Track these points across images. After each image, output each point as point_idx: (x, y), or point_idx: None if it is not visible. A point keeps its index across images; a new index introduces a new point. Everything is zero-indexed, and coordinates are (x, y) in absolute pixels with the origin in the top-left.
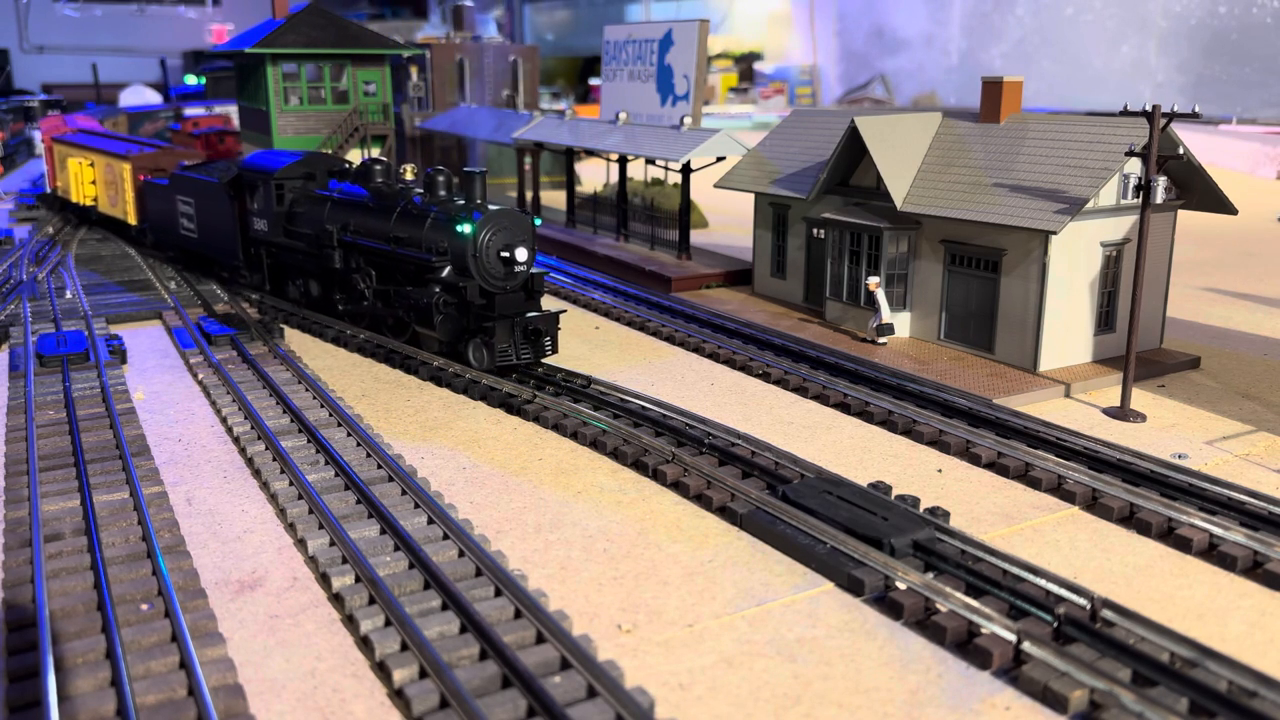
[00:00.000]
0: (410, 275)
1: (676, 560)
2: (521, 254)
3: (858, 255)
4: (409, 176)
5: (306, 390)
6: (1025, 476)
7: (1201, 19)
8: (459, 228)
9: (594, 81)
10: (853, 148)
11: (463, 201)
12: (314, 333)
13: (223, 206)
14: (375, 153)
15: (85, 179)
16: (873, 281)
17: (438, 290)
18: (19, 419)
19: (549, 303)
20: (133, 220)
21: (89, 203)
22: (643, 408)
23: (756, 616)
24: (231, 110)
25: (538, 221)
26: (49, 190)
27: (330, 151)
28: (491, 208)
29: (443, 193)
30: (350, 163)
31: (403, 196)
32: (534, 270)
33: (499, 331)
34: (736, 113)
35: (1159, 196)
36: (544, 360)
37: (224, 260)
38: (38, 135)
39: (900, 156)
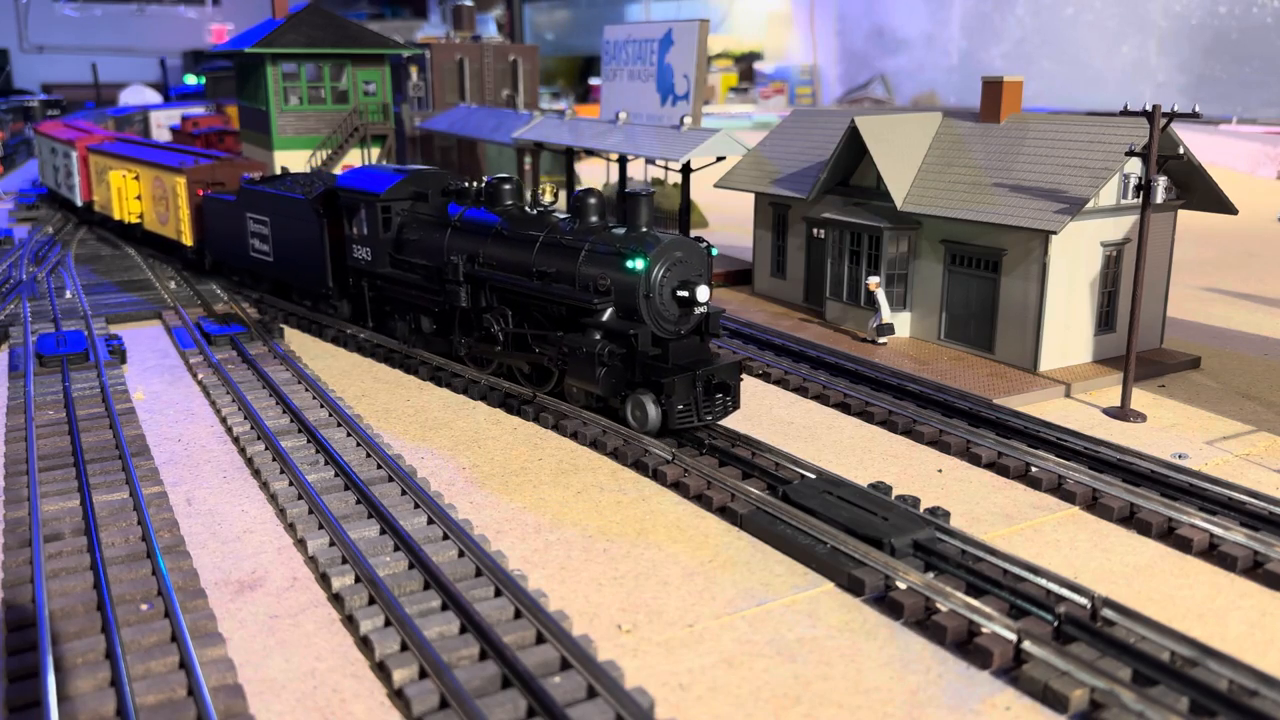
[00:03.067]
0: (559, 317)
1: (676, 560)
2: (703, 293)
3: (858, 255)
4: (548, 198)
5: (306, 390)
6: (1025, 476)
7: (1202, 19)
8: (628, 263)
9: (594, 81)
10: (853, 148)
11: (623, 229)
12: (313, 333)
13: (308, 227)
14: (375, 153)
15: (129, 193)
16: (873, 281)
17: (600, 338)
18: (19, 419)
19: None
20: (188, 240)
21: (133, 219)
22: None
23: (757, 617)
24: (197, 110)
25: (714, 251)
26: (82, 203)
27: (330, 154)
28: (662, 237)
29: (594, 218)
30: (467, 181)
31: (544, 223)
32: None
33: (678, 387)
34: (736, 112)
35: (1159, 196)
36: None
37: (308, 287)
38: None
39: (900, 156)
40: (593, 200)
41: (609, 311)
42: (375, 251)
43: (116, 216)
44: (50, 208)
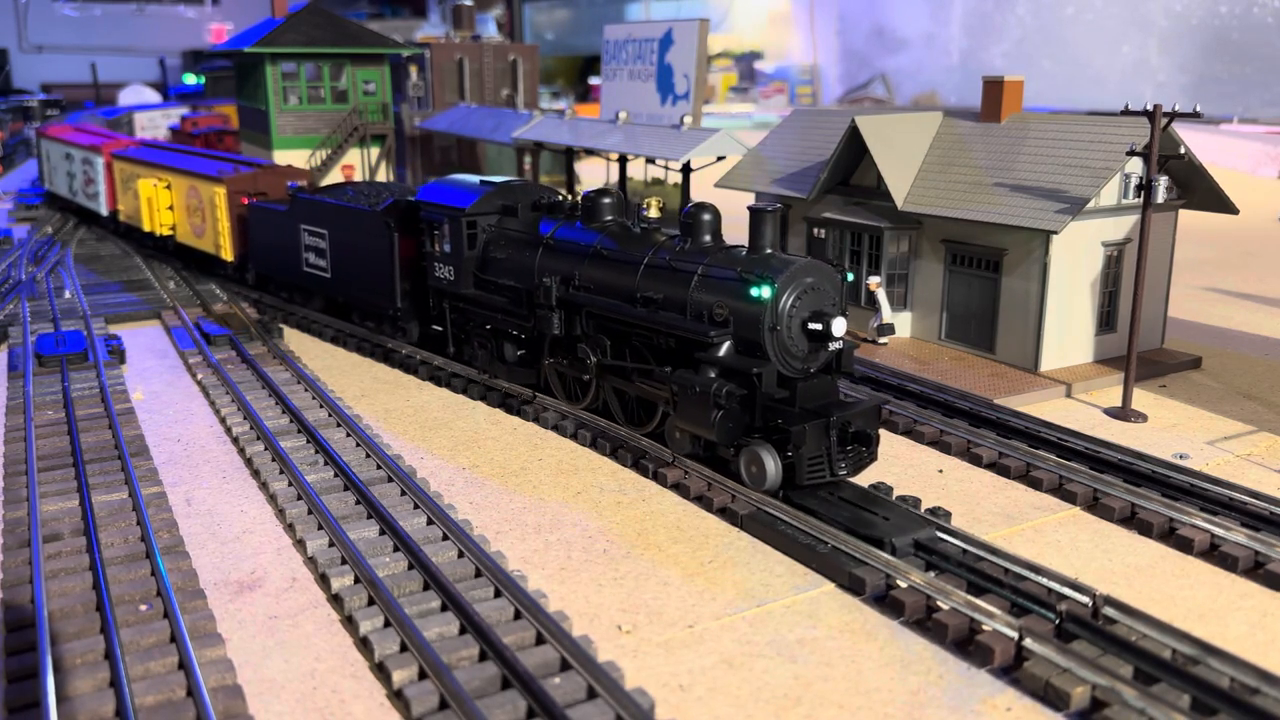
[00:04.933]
0: (666, 350)
1: (677, 561)
2: (839, 326)
3: (858, 255)
4: (654, 214)
5: (306, 390)
6: (1026, 477)
7: (1203, 19)
8: (752, 290)
9: (594, 81)
10: (853, 147)
11: (743, 250)
12: (313, 332)
13: (377, 241)
14: (374, 153)
15: (160, 203)
16: (873, 281)
17: (715, 375)
18: (18, 419)
19: None
20: (228, 254)
21: (165, 232)
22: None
23: (757, 617)
24: (180, 111)
25: (850, 276)
26: (108, 212)
27: (330, 154)
28: (792, 260)
29: (708, 237)
30: (560, 193)
31: (650, 242)
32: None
33: (810, 436)
34: (737, 112)
35: (1160, 196)
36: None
37: (373, 308)
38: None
39: (901, 156)
40: (707, 216)
41: (726, 345)
42: (458, 270)
43: (146, 228)
44: (49, 209)
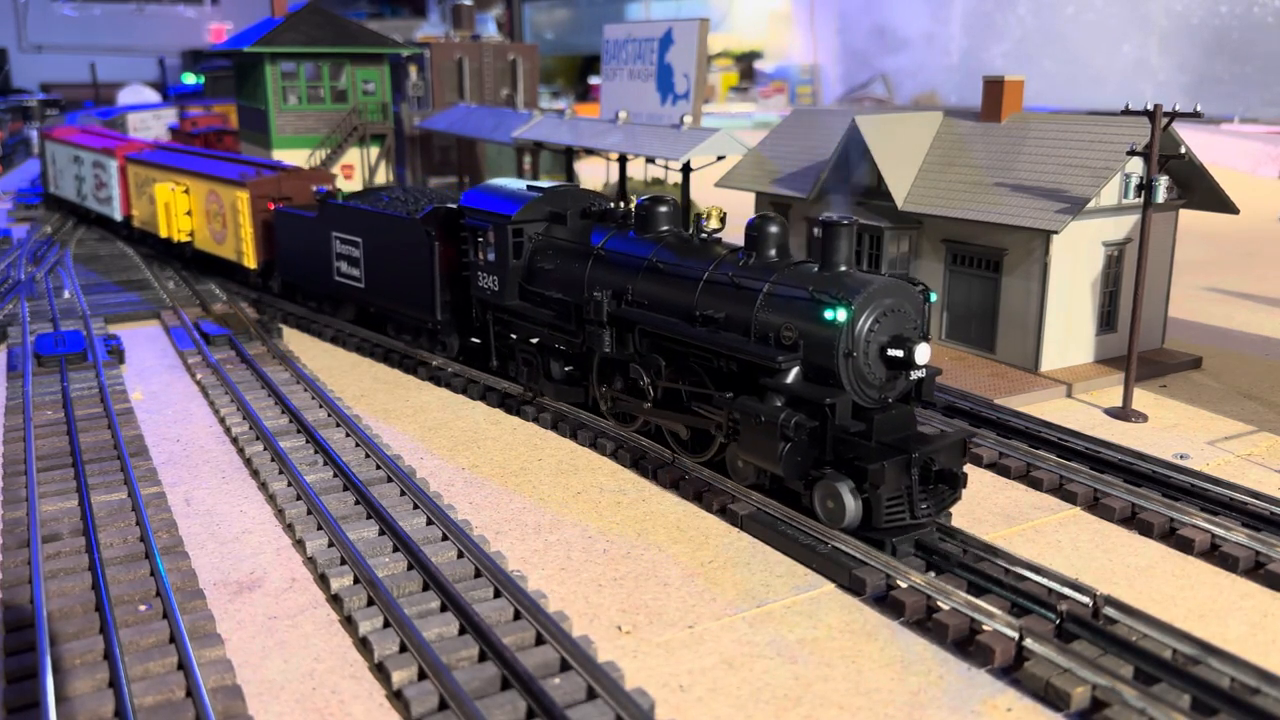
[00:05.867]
0: (727, 374)
1: (677, 561)
2: (923, 353)
3: (859, 255)
4: (714, 224)
5: (305, 390)
6: (1027, 477)
7: (1203, 18)
8: (826, 311)
9: (594, 80)
10: (853, 147)
11: (814, 267)
12: (312, 332)
13: (416, 250)
14: (374, 153)
15: (178, 209)
16: None
17: (783, 404)
18: (17, 419)
19: None
20: (251, 262)
21: (182, 238)
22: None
23: (757, 618)
24: (166, 113)
25: (933, 297)
26: (122, 217)
27: (329, 154)
28: (870, 279)
29: (773, 251)
30: (609, 200)
31: (711, 255)
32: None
33: (889, 474)
34: (737, 112)
35: (1160, 196)
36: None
37: (413, 319)
38: (35, 134)
39: (901, 156)
40: (774, 229)
41: (795, 371)
42: (503, 281)
43: (163, 234)
44: (48, 210)
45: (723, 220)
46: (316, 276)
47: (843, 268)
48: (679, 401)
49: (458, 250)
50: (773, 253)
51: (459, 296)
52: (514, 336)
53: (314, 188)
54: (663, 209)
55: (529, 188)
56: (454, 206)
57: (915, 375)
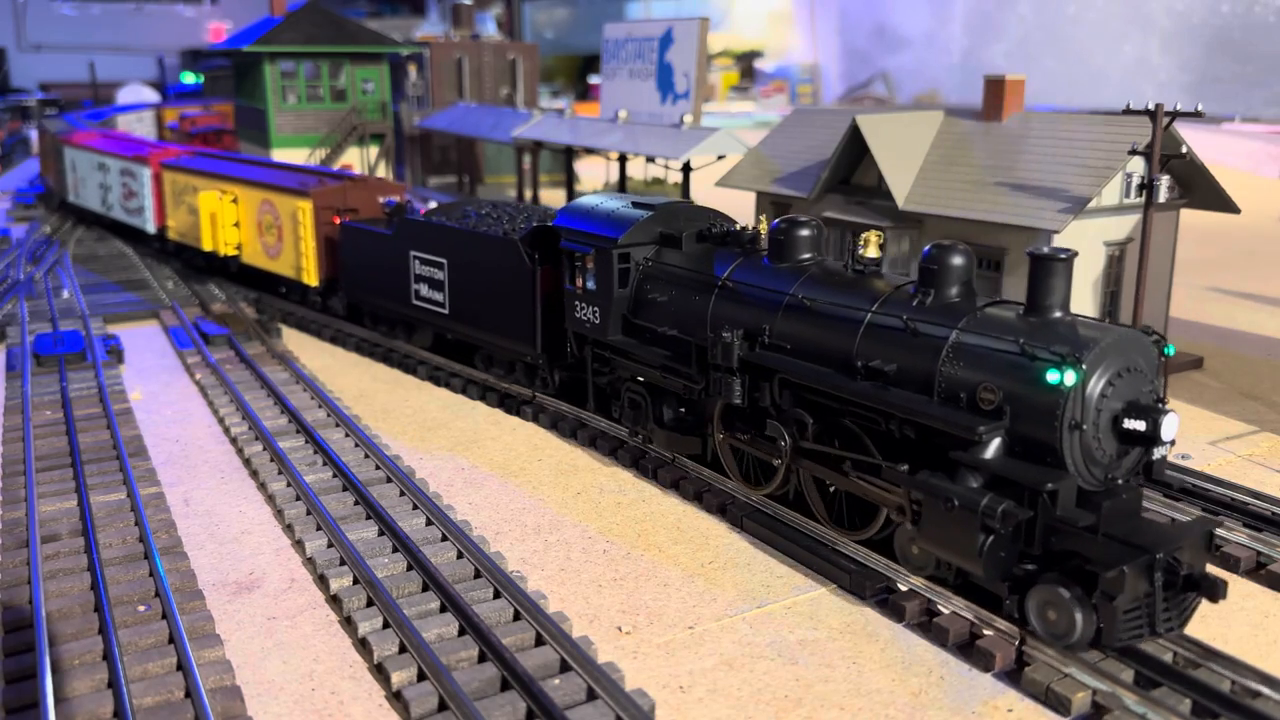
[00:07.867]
0: (901, 440)
1: (677, 562)
2: (1170, 426)
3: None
4: (872, 252)
5: (304, 390)
6: None
7: (1204, 17)
8: (1049, 372)
9: (593, 79)
10: (854, 146)
11: (1016, 310)
12: (311, 332)
13: (514, 275)
14: (374, 152)
15: (225, 219)
16: None
17: (982, 485)
18: (16, 419)
19: None
20: (312, 279)
21: (229, 251)
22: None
23: (757, 618)
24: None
25: (1170, 350)
26: (156, 229)
27: (329, 153)
28: (1101, 330)
29: (955, 289)
30: (731, 220)
31: (873, 292)
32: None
33: (1129, 579)
34: (737, 111)
35: (1162, 195)
36: None
37: (508, 351)
38: (33, 134)
39: (902, 155)
40: (958, 260)
41: (996, 443)
42: (605, 312)
43: (206, 247)
44: (45, 209)
45: (882, 247)
46: (391, 298)
47: (1057, 313)
48: (828, 464)
49: (555, 274)
50: (954, 290)
51: (551, 325)
52: (617, 373)
53: (381, 199)
54: (804, 233)
55: (634, 204)
56: (551, 225)
57: (1159, 454)
